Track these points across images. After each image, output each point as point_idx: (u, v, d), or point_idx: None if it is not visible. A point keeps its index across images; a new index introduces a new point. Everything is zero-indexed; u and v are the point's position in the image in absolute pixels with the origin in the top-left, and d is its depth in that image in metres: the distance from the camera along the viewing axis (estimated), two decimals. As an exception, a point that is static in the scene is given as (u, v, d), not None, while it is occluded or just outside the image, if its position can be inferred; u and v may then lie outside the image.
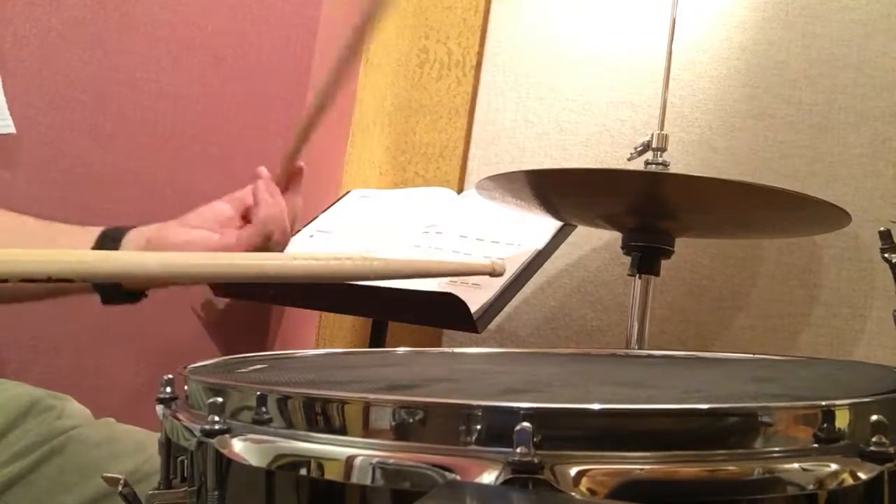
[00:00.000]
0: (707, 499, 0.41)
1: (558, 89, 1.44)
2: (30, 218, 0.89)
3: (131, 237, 0.84)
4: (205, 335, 1.27)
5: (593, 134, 1.41)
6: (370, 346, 1.28)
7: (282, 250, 0.85)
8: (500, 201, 1.10)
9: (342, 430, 0.44)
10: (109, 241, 0.84)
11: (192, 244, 0.83)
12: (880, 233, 0.72)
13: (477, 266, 0.74)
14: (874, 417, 0.42)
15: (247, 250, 0.82)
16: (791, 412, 0.43)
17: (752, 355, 0.80)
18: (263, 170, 0.87)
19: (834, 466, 0.41)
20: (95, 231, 0.85)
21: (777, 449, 0.41)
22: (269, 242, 0.83)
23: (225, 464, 0.47)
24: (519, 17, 1.49)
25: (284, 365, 0.75)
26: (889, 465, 0.41)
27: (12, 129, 1.16)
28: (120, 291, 0.85)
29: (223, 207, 0.88)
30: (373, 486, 0.42)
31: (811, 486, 0.41)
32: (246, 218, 0.87)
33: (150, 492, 0.53)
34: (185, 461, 0.52)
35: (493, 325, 1.22)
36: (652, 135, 1.12)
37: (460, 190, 1.45)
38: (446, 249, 1.19)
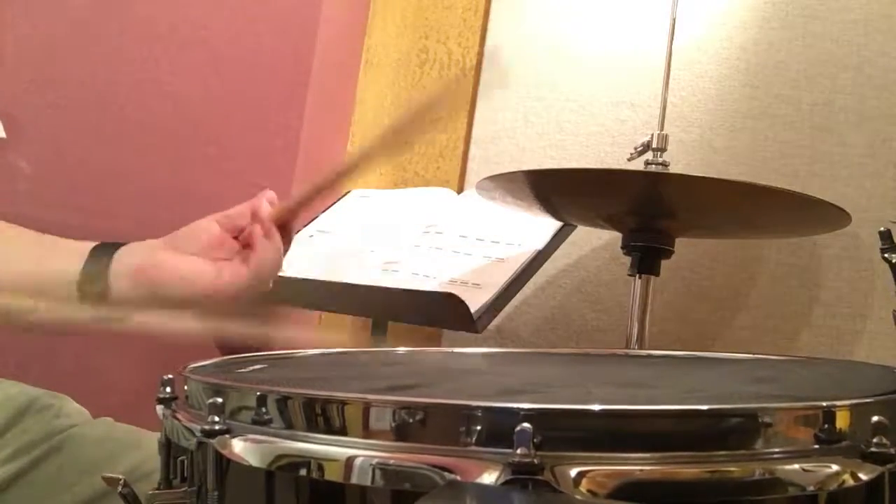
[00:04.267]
0: (707, 499, 0.40)
1: (558, 89, 1.44)
2: (21, 229, 0.88)
3: (123, 259, 0.83)
4: (204, 335, 1.27)
5: (593, 134, 1.41)
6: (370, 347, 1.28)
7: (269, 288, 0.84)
8: (500, 201, 1.10)
9: (342, 431, 0.44)
10: (100, 257, 0.83)
11: (186, 281, 0.81)
12: (880, 233, 0.72)
13: None
14: (875, 418, 0.42)
15: (238, 291, 0.81)
16: (792, 413, 0.43)
17: (752, 355, 0.80)
18: (265, 206, 0.84)
19: (835, 467, 0.41)
20: (87, 246, 0.84)
21: (778, 450, 0.41)
22: (261, 284, 0.82)
23: (225, 464, 0.47)
24: (519, 17, 1.49)
25: (284, 365, 0.75)
26: (890, 465, 0.41)
27: (2, 133, 1.16)
28: None
29: (215, 229, 0.86)
30: (373, 486, 0.42)
31: (812, 487, 0.41)
32: (238, 239, 0.85)
33: (150, 492, 0.53)
34: (185, 461, 0.52)
35: (493, 325, 1.21)
36: (652, 135, 1.12)
37: (460, 190, 1.45)
38: (446, 249, 1.19)
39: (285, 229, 0.85)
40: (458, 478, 0.40)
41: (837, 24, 1.27)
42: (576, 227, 1.21)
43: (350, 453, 0.42)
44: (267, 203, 0.86)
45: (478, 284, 1.09)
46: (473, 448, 0.41)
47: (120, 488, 0.55)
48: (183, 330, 0.84)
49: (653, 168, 1.10)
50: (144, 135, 1.29)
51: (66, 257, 0.83)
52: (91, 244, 0.84)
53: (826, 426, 0.42)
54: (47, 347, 1.22)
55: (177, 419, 0.53)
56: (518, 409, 0.40)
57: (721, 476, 0.40)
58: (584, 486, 0.39)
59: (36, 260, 0.84)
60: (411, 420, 0.43)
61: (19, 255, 0.85)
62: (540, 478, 0.38)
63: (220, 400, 0.48)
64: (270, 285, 0.84)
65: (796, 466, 0.40)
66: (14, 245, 0.86)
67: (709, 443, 0.41)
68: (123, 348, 1.20)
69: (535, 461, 0.38)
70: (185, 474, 0.52)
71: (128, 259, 0.82)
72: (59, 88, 1.27)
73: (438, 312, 1.09)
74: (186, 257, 0.82)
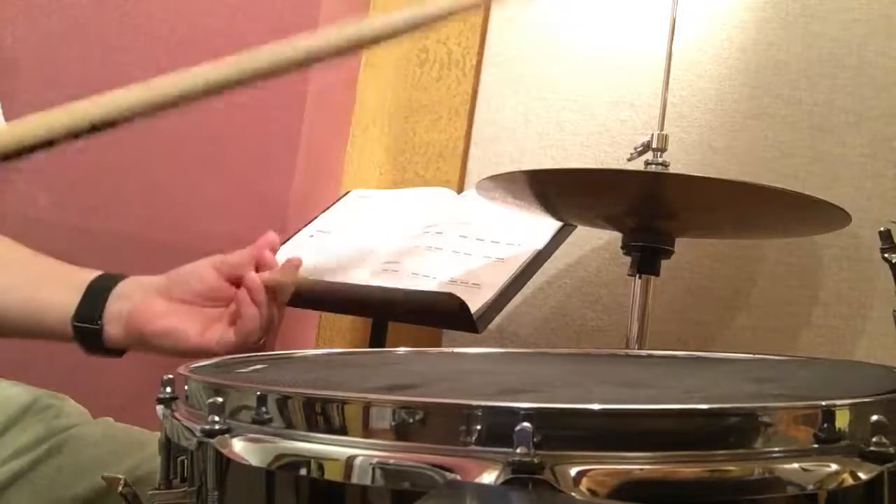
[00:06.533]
0: (707, 499, 0.41)
1: (558, 89, 1.44)
2: (19, 247, 0.88)
3: (116, 304, 0.82)
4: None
5: (593, 134, 1.41)
6: (370, 346, 1.28)
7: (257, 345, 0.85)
8: (500, 201, 1.10)
9: (342, 430, 0.44)
10: (96, 296, 0.83)
11: (172, 335, 0.81)
12: (880, 233, 0.72)
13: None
14: (874, 417, 0.42)
15: (225, 352, 0.81)
16: (791, 412, 0.43)
17: (752, 355, 0.80)
18: (254, 278, 0.83)
19: (834, 466, 0.41)
20: (84, 278, 0.84)
21: (777, 449, 0.41)
22: (246, 344, 0.83)
23: (225, 464, 0.47)
24: (519, 16, 1.49)
25: (284, 365, 0.75)
26: (889, 465, 0.41)
27: None
28: (102, 346, 0.84)
29: (211, 276, 0.84)
30: (373, 486, 0.42)
31: (811, 487, 0.41)
32: (235, 284, 0.84)
33: (151, 492, 0.53)
34: (185, 461, 0.52)
35: (493, 325, 1.21)
36: (652, 135, 1.12)
37: (460, 190, 1.45)
38: (446, 249, 1.19)
39: (276, 293, 0.86)
40: (458, 477, 0.40)
41: (837, 24, 1.27)
42: (576, 227, 1.21)
43: (350, 453, 0.42)
44: (269, 253, 0.86)
45: (478, 284, 1.09)
46: (473, 447, 0.41)
47: (120, 488, 0.55)
48: None
49: (653, 168, 1.10)
50: (144, 135, 1.29)
51: (64, 290, 0.83)
52: (88, 275, 0.84)
53: (825, 425, 0.42)
54: (47, 347, 1.21)
55: (177, 419, 0.53)
56: (518, 408, 0.40)
57: (721, 475, 0.40)
58: (584, 485, 0.39)
59: (32, 287, 0.85)
60: (411, 419, 0.43)
61: (16, 280, 0.85)
62: (540, 477, 0.38)
63: (220, 399, 0.48)
64: (259, 342, 0.85)
65: (796, 466, 0.41)
66: (11, 269, 0.86)
67: (708, 442, 0.41)
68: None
69: (535, 460, 0.38)
70: (186, 474, 0.52)
71: (120, 305, 0.83)
72: (59, 88, 1.27)
73: (438, 312, 1.09)
74: (177, 309, 0.82)
